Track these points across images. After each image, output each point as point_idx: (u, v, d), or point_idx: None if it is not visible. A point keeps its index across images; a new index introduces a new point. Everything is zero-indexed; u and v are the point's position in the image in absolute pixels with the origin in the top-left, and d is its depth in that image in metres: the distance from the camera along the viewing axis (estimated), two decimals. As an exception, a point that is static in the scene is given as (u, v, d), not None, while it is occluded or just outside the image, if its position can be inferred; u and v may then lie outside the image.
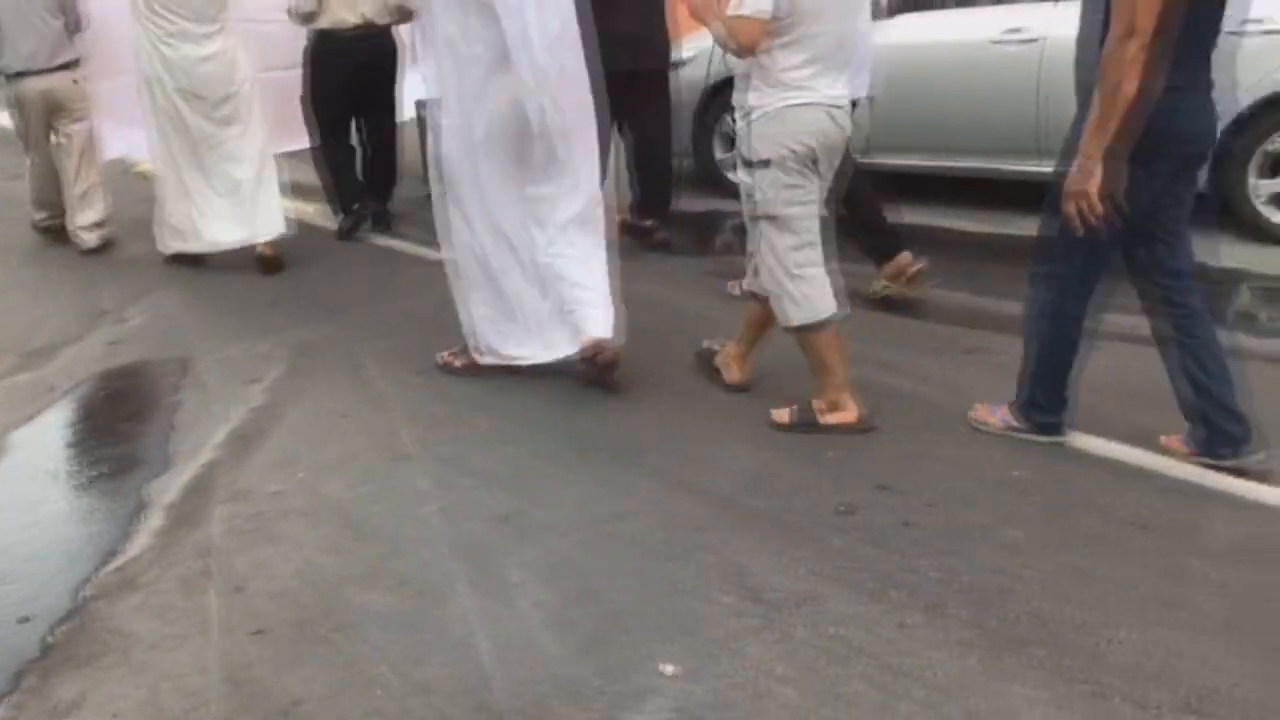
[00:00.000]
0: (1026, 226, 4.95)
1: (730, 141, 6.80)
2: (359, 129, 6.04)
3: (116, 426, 3.79)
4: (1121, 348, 4.11)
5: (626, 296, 3.87)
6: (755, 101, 3.31)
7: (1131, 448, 3.29)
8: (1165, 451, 3.23)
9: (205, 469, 3.39)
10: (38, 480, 3.39)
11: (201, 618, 2.63)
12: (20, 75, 5.55)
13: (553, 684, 2.34)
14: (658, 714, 2.24)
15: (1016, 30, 5.56)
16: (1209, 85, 2.95)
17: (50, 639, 2.56)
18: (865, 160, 6.54)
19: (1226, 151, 5.30)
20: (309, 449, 3.51)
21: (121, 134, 5.80)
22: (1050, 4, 5.46)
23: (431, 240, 4.37)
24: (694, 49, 6.45)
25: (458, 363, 4.05)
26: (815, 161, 3.35)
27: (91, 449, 3.59)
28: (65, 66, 5.62)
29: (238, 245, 5.39)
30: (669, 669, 2.38)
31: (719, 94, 6.67)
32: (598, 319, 3.73)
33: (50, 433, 3.74)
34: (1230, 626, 2.46)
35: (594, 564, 2.80)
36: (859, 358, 3.80)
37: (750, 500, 3.10)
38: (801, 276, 3.38)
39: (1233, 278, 5.03)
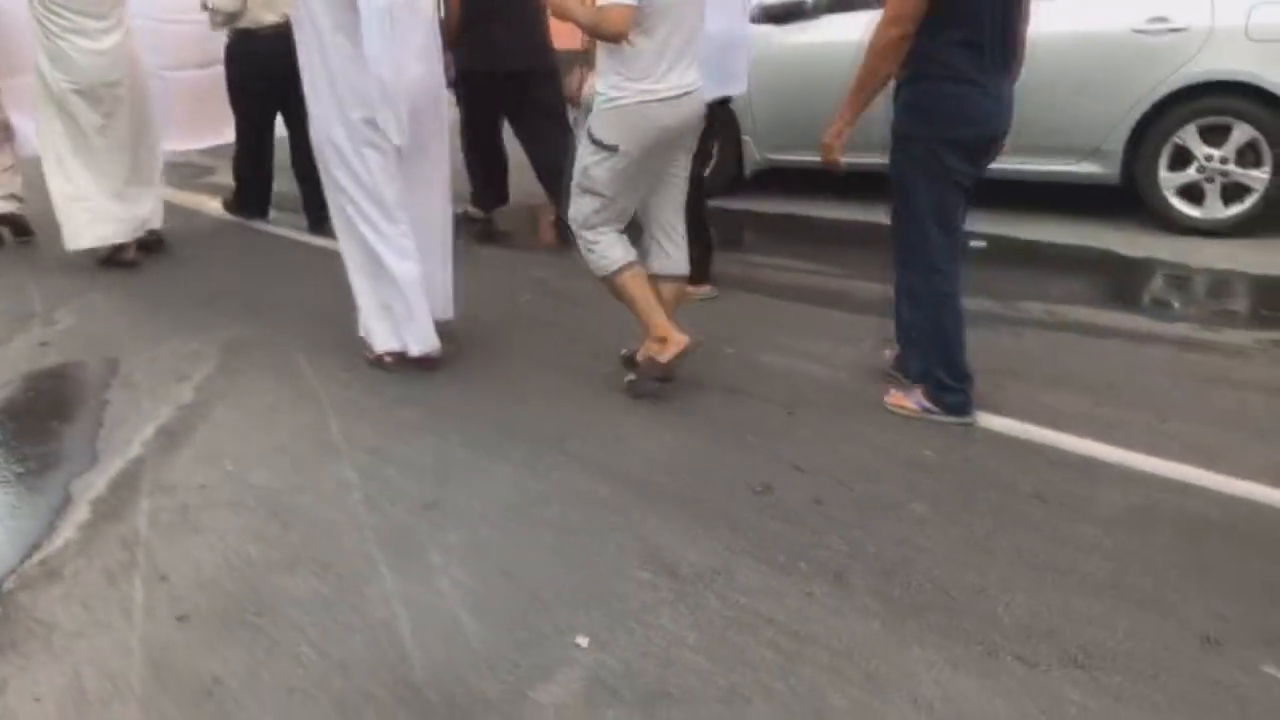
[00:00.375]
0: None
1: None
2: (287, 124, 6.12)
3: (43, 425, 3.79)
4: (1031, 333, 4.27)
5: (560, 289, 3.96)
6: (610, 90, 3.47)
7: (1035, 426, 3.43)
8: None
9: (132, 464, 3.41)
10: (-38, 478, 3.39)
11: (125, 606, 2.66)
12: None
13: (470, 659, 2.42)
14: (570, 684, 2.32)
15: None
16: (1007, 78, 3.27)
17: (-28, 629, 2.58)
18: (783, 158, 6.71)
19: (1138, 145, 5.51)
20: (237, 443, 3.55)
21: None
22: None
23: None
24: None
25: (388, 357, 4.10)
26: (655, 151, 3.56)
27: (17, 448, 3.60)
28: None
29: (121, 240, 5.56)
30: (583, 641, 2.46)
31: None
32: (419, 333, 4.00)
33: (-24, 433, 3.74)
34: (1116, 587, 2.60)
35: (513, 546, 2.88)
36: (784, 348, 3.92)
37: (668, 482, 3.20)
38: (603, 236, 3.67)
39: (1143, 265, 5.23)
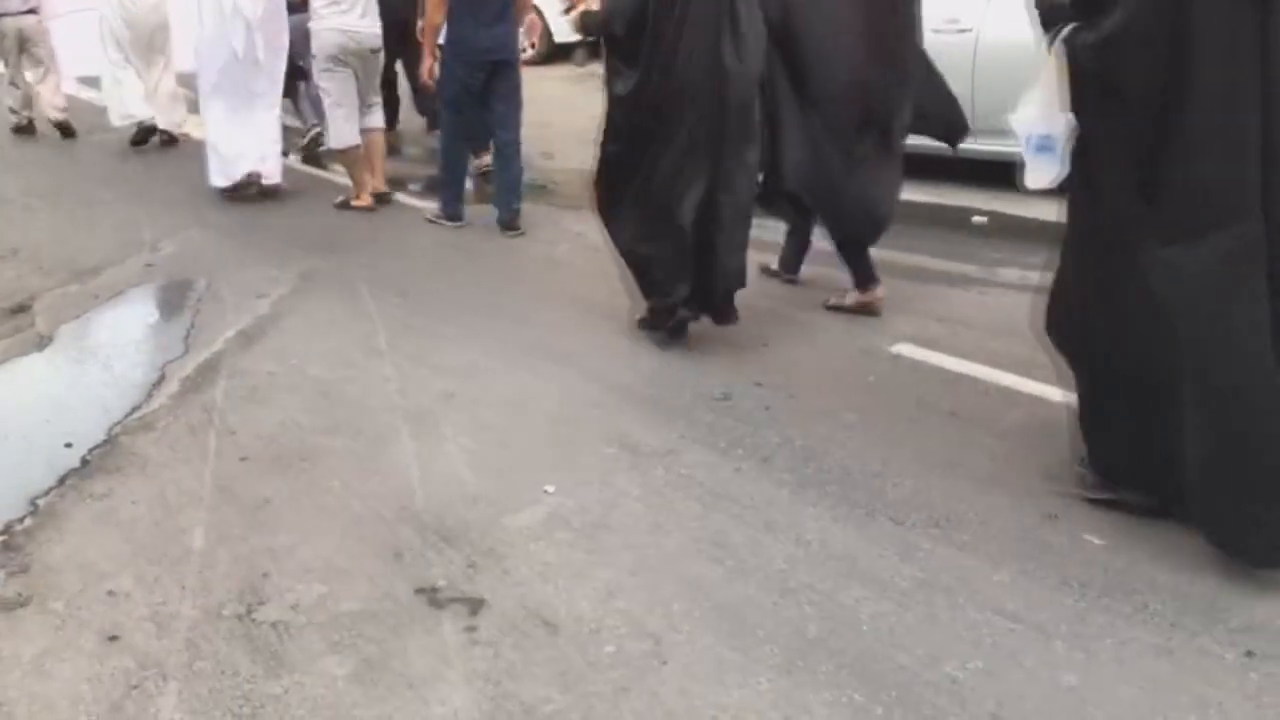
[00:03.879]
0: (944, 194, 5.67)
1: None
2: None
3: (147, 325, 4.58)
4: (997, 293, 4.80)
5: (595, 242, 4.60)
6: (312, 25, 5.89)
7: (971, 363, 3.96)
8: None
9: (214, 355, 4.16)
10: (82, 359, 4.18)
11: (201, 449, 3.40)
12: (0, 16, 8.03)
13: (461, 497, 3.10)
14: (534, 516, 2.99)
15: (954, 20, 6.21)
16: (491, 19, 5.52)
17: (88, 457, 3.34)
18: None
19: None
20: (300, 345, 4.28)
21: (74, 57, 8.49)
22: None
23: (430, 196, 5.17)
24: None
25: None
26: (342, 60, 5.96)
27: (125, 339, 4.39)
28: (30, 11, 8.10)
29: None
30: (550, 489, 3.12)
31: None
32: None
33: (93, 328, 4.53)
34: (992, 478, 3.16)
35: (510, 426, 3.55)
36: (769, 293, 4.49)
37: (645, 389, 3.84)
38: (334, 120, 6.03)
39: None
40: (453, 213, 5.99)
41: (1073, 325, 2.95)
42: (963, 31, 6.16)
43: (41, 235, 5.78)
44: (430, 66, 5.77)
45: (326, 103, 6.22)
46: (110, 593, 2.63)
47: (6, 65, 8.27)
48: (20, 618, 2.55)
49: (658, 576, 2.69)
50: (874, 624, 2.49)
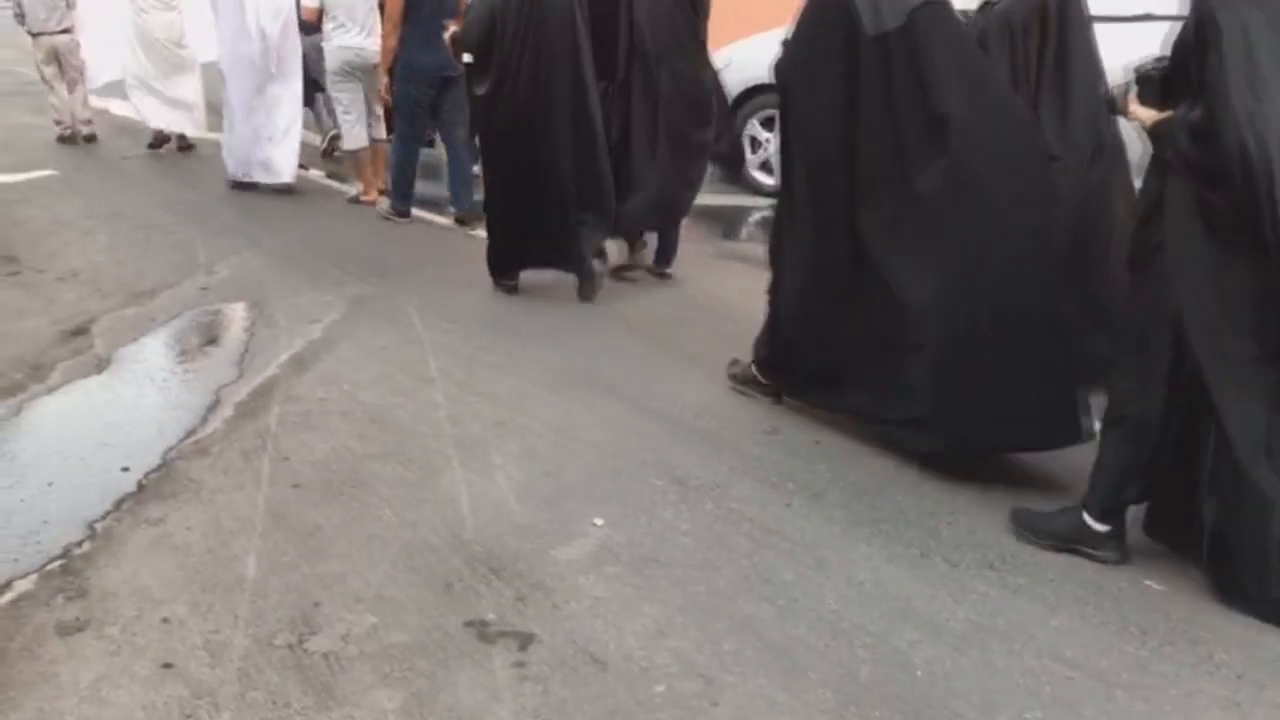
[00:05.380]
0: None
1: (755, 143, 7.54)
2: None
3: (201, 348, 4.64)
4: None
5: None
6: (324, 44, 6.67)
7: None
8: None
9: (268, 380, 4.20)
10: (139, 382, 4.24)
11: (254, 475, 3.43)
12: (38, 34, 8.57)
13: (510, 527, 3.10)
14: (583, 548, 2.98)
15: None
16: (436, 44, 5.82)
17: (143, 482, 3.38)
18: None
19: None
20: (353, 370, 4.32)
21: (101, 64, 8.97)
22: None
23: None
24: (724, 59, 7.16)
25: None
26: (350, 73, 6.75)
27: (181, 362, 4.45)
28: (65, 30, 8.63)
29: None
30: (599, 521, 3.11)
31: (747, 100, 7.41)
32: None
33: (150, 351, 4.59)
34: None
35: (559, 455, 3.55)
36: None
37: (694, 421, 3.82)
38: (346, 124, 6.87)
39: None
40: (402, 210, 6.77)
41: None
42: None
43: (100, 257, 5.88)
44: (387, 84, 6.59)
45: (339, 110, 7.10)
46: (165, 620, 2.66)
47: (44, 79, 8.96)
48: (78, 642, 2.58)
49: (708, 614, 2.67)
50: (928, 669, 2.46)
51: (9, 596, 2.77)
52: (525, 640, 2.57)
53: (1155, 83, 2.69)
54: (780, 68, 3.68)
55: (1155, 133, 2.67)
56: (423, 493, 3.31)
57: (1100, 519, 2.87)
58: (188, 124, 8.52)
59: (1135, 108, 2.76)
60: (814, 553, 2.95)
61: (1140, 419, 2.75)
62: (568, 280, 5.38)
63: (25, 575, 2.86)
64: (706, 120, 5.27)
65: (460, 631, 2.61)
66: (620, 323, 4.84)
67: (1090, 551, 2.89)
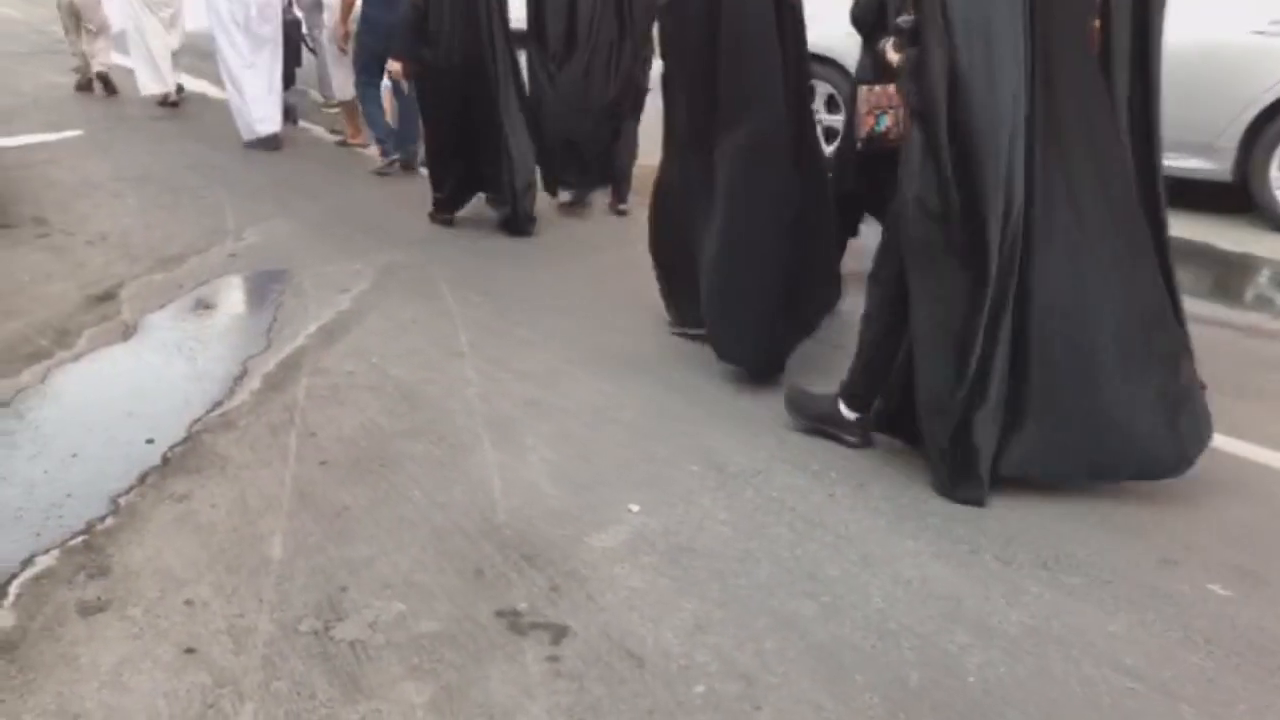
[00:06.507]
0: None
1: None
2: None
3: (229, 317, 4.56)
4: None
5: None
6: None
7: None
8: None
9: (296, 352, 4.12)
10: (165, 350, 4.16)
11: (281, 451, 3.35)
12: None
13: (544, 512, 3.00)
14: (618, 535, 2.88)
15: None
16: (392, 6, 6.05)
17: (169, 455, 3.31)
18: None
19: (1251, 144, 5.65)
20: (382, 343, 4.22)
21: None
22: None
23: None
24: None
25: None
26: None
27: (208, 331, 4.37)
28: None
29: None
30: (635, 508, 3.01)
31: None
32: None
33: (177, 318, 4.52)
34: (1105, 519, 2.96)
35: (593, 438, 3.44)
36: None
37: (733, 402, 3.70)
38: (335, 76, 7.34)
39: (1239, 260, 5.39)
40: (386, 149, 7.11)
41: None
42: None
43: (129, 221, 5.81)
44: (344, 34, 7.15)
45: (330, 62, 7.64)
46: (188, 602, 2.58)
47: (67, 34, 9.44)
48: (100, 623, 2.51)
49: (748, 610, 2.57)
50: (981, 675, 2.34)
51: (31, 572, 2.71)
52: (559, 633, 2.48)
53: (905, 33, 3.01)
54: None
55: (897, 75, 3.15)
56: (453, 473, 3.22)
57: (849, 406, 3.32)
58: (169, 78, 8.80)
59: (892, 54, 3.32)
60: (858, 547, 2.83)
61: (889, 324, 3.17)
62: (601, 257, 5.26)
63: (48, 550, 2.79)
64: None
65: (492, 622, 2.52)
66: (654, 300, 4.71)
67: (835, 432, 3.36)
